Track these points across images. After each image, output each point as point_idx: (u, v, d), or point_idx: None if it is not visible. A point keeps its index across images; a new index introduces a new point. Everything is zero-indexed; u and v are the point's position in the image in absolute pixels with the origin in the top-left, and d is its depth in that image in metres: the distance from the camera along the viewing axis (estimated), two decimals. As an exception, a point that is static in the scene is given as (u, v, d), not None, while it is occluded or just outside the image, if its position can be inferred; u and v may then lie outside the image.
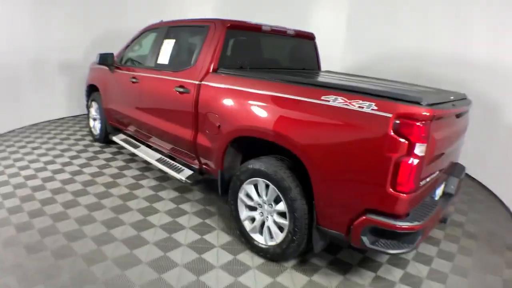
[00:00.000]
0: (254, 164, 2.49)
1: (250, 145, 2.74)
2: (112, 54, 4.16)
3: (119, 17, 6.60)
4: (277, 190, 2.37)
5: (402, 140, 1.81)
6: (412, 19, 5.17)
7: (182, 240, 2.76)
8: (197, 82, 2.94)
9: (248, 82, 2.63)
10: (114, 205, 3.22)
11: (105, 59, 4.07)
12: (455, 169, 2.88)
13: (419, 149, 1.83)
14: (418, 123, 1.80)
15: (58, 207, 3.10)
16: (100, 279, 2.25)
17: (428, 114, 1.81)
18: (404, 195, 1.88)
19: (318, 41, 3.93)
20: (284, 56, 3.72)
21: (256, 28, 3.20)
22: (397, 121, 1.82)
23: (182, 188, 3.68)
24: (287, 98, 2.31)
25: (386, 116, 1.84)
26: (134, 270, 2.37)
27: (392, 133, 1.83)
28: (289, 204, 2.31)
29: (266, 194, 2.49)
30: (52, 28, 5.82)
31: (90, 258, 2.46)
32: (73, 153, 4.52)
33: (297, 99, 2.23)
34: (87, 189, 3.50)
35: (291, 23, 4.05)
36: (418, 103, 1.84)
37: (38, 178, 3.70)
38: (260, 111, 2.45)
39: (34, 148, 4.64)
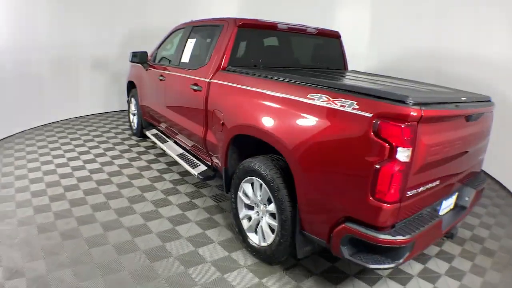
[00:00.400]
0: (250, 162, 2.47)
1: (250, 143, 2.72)
2: (145, 52, 4.41)
3: (146, 16, 6.82)
4: (268, 190, 2.33)
5: (383, 143, 1.64)
6: (439, 19, 4.97)
7: (183, 233, 2.83)
8: (207, 80, 3.00)
9: (245, 79, 2.62)
10: (132, 195, 3.41)
11: (137, 57, 4.31)
12: (474, 179, 2.56)
13: (403, 154, 1.63)
14: (401, 125, 1.61)
15: (79, 193, 3.37)
16: (96, 262, 2.40)
17: (413, 114, 1.61)
18: (387, 205, 1.69)
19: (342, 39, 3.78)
20: (305, 55, 3.62)
21: (271, 27, 3.16)
22: (378, 122, 1.66)
23: (201, 184, 3.77)
24: (276, 96, 2.25)
25: (366, 116, 1.69)
26: (129, 256, 2.48)
27: (372, 135, 1.67)
28: (278, 205, 2.25)
29: (261, 194, 2.46)
30: (77, 25, 5.96)
31: (93, 241, 2.63)
32: (110, 145, 4.87)
33: (285, 97, 2.16)
34: (112, 179, 3.75)
35: (315, 22, 3.94)
36: (402, 101, 1.65)
37: (68, 166, 4.04)
38: (253, 109, 2.42)
39: (72, 139, 5.10)
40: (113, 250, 2.55)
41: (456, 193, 2.39)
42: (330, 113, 1.87)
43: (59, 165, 4.04)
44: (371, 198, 1.71)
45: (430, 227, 1.94)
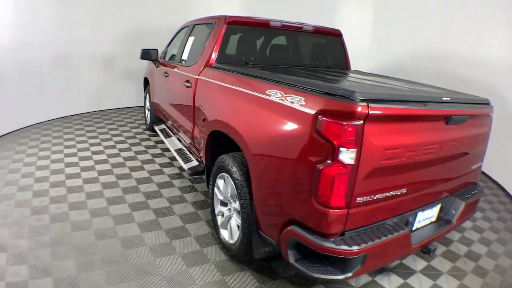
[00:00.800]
0: (222, 159, 2.48)
1: (226, 139, 2.73)
2: (156, 50, 4.56)
3: (148, 15, 6.87)
4: (234, 187, 2.32)
5: (324, 142, 1.54)
6: (441, 19, 4.86)
7: (163, 225, 2.90)
8: (196, 77, 3.05)
9: (221, 76, 2.64)
10: (127, 186, 3.55)
11: (147, 54, 4.47)
12: (465, 190, 2.37)
13: (346, 155, 1.52)
14: (343, 123, 1.50)
15: (79, 181, 3.57)
16: (74, 243, 2.54)
17: (358, 111, 1.47)
18: (330, 210, 1.58)
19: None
20: (303, 53, 3.56)
21: (263, 24, 3.15)
22: (320, 119, 1.57)
23: (196, 179, 3.84)
24: (241, 91, 2.25)
25: (310, 113, 1.62)
26: (105, 241, 2.60)
27: (315, 134, 1.59)
28: (240, 203, 2.24)
29: (230, 191, 2.46)
30: (78, 22, 6.00)
31: (78, 225, 2.78)
32: (122, 138, 5.10)
33: (248, 93, 2.15)
34: (113, 169, 3.93)
35: (319, 21, 3.86)
36: (347, 97, 1.53)
37: (76, 156, 4.28)
38: (223, 105, 2.43)
39: (79, 134, 5.40)
40: (92, 235, 2.68)
41: (439, 205, 2.22)
42: (281, 110, 1.83)
43: (68, 155, 4.30)
44: (313, 201, 1.62)
45: (391, 240, 1.77)
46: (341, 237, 1.67)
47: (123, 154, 4.46)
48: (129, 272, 2.30)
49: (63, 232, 2.67)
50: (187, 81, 3.22)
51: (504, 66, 4.04)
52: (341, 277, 1.68)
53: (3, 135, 4.95)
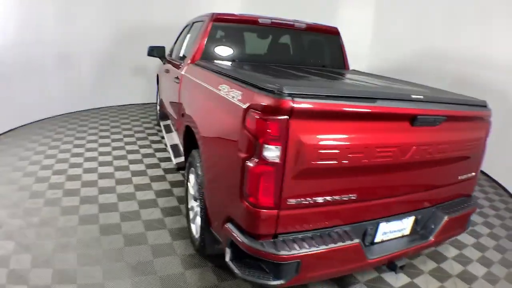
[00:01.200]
0: (192, 154, 2.52)
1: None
2: (163, 47, 4.68)
3: (151, 12, 6.77)
4: (196, 182, 2.35)
5: (251, 138, 1.51)
6: (444, 18, 4.77)
7: (144, 216, 3.00)
8: (182, 73, 3.11)
9: (195, 71, 2.68)
10: (121, 177, 3.69)
11: (153, 51, 4.59)
12: (453, 203, 2.19)
13: (271, 153, 1.47)
14: (266, 118, 1.44)
15: (79, 170, 3.79)
16: (58, 227, 2.72)
17: (282, 106, 1.40)
18: (257, 209, 1.53)
19: (343, 37, 3.56)
20: (294, 51, 3.50)
21: (250, 21, 3.14)
22: (249, 114, 1.54)
23: (188, 174, 3.92)
24: (202, 86, 2.27)
25: (242, 108, 1.60)
26: (86, 227, 2.76)
27: (244, 129, 1.56)
28: (199, 198, 2.26)
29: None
30: (79, 20, 5.94)
31: (66, 210, 2.96)
32: (131, 133, 5.29)
33: (206, 88, 2.16)
34: (114, 161, 4.10)
35: (319, 20, 3.77)
36: (273, 92, 1.47)
37: (83, 147, 4.50)
38: (191, 100, 2.46)
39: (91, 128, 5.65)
40: (76, 220, 2.84)
41: (413, 217, 2.05)
42: (225, 104, 1.83)
43: (76, 146, 4.55)
44: (243, 199, 1.59)
45: (334, 250, 1.66)
46: (272, 240, 1.60)
47: (128, 147, 4.63)
48: (99, 256, 2.42)
49: (51, 215, 2.85)
50: (176, 77, 3.30)
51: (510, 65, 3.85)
52: (272, 283, 1.60)
53: (10, 130, 5.21)
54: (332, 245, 1.65)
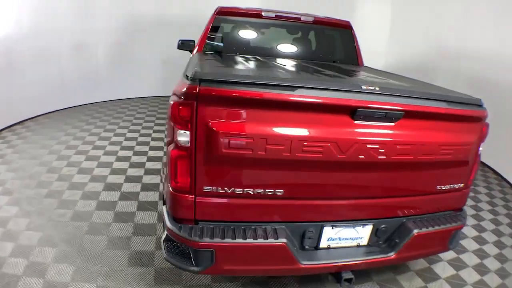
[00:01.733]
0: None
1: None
2: (192, 40, 4.61)
3: (170, 2, 6.51)
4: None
5: (170, 123, 1.55)
6: (460, 17, 4.69)
7: (120, 208, 2.90)
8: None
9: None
10: (119, 168, 3.65)
11: (183, 45, 4.51)
12: (432, 216, 1.89)
13: (182, 137, 1.48)
14: (178, 102, 1.47)
15: (81, 157, 3.83)
16: (50, 217, 2.72)
17: (188, 91, 1.40)
18: (175, 193, 1.57)
19: (360, 34, 3.31)
20: (301, 45, 3.28)
21: (254, 15, 3.02)
22: (171, 100, 1.58)
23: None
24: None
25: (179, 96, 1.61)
26: (64, 211, 2.78)
27: (168, 114, 1.62)
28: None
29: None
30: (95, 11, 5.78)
31: (51, 193, 2.97)
32: (149, 125, 5.22)
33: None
34: (120, 151, 4.08)
35: (336, 16, 3.52)
36: (187, 78, 1.48)
37: (97, 137, 4.51)
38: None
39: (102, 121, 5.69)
40: (65, 208, 2.84)
41: (370, 226, 1.79)
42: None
43: (92, 134, 4.62)
44: (168, 182, 1.64)
45: (254, 246, 1.58)
46: (190, 226, 1.61)
47: (141, 138, 4.56)
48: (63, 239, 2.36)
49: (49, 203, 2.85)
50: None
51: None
52: (190, 268, 1.61)
53: (53, 112, 5.45)
54: (250, 240, 1.58)
